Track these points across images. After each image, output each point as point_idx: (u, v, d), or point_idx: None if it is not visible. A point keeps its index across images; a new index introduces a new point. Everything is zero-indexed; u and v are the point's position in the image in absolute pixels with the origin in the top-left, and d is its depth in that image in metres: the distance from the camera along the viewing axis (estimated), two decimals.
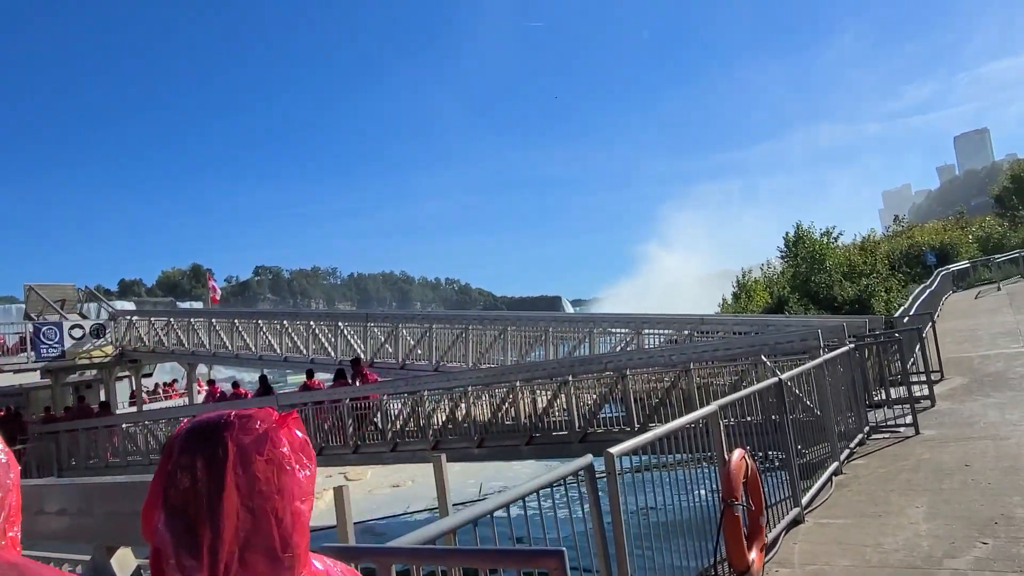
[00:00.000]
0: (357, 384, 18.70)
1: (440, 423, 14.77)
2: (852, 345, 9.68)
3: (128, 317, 25.68)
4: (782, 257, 62.40)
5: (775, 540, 5.90)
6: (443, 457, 5.63)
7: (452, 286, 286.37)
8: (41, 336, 23.43)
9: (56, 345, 23.69)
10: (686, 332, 14.83)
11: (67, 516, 4.31)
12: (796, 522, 6.47)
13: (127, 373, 28.24)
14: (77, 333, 24.29)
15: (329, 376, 18.58)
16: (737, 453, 5.19)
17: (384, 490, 21.16)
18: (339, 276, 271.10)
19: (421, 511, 17.36)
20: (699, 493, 5.13)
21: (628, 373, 12.21)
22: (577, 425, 12.83)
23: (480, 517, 2.90)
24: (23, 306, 28.51)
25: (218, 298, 34.37)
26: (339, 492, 5.94)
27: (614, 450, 4.05)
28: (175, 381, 35.02)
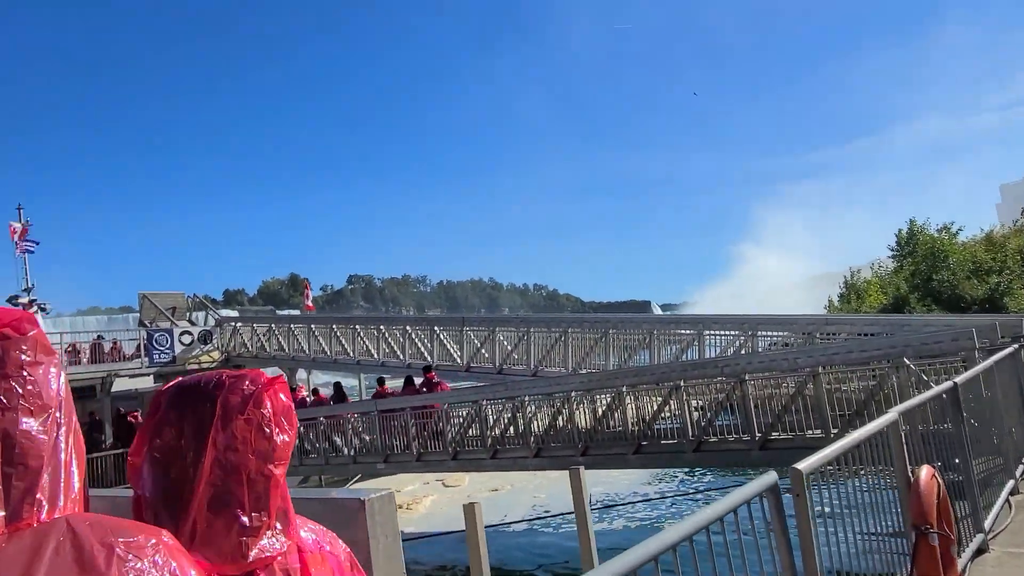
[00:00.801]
0: (425, 391, 18.36)
1: (540, 429, 14.21)
2: (1017, 346, 8.46)
3: (233, 324, 26.47)
4: (893, 256, 58.75)
5: (962, 573, 4.99)
6: (581, 469, 4.99)
7: (540, 292, 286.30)
8: (154, 342, 24.44)
9: (167, 351, 24.66)
10: (806, 334, 13.70)
11: None
12: (980, 551, 5.52)
13: None
14: (186, 339, 25.23)
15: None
16: (926, 471, 4.34)
17: (483, 495, 20.75)
18: (429, 284, 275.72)
19: (536, 519, 16.82)
20: (886, 518, 4.32)
21: (747, 378, 11.28)
22: (690, 433, 11.98)
23: (662, 552, 2.26)
24: (138, 314, 29.96)
25: (312, 306, 35.16)
26: (470, 510, 5.44)
27: (802, 465, 3.30)
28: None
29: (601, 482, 19.51)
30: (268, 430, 1.20)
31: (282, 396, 1.24)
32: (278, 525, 1.22)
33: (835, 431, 10.39)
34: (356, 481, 21.96)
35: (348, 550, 1.43)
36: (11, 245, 29.96)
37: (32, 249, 29.84)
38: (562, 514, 15.32)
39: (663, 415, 12.52)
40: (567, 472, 18.37)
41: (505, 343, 18.78)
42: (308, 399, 22.20)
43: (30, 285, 29.48)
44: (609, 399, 13.20)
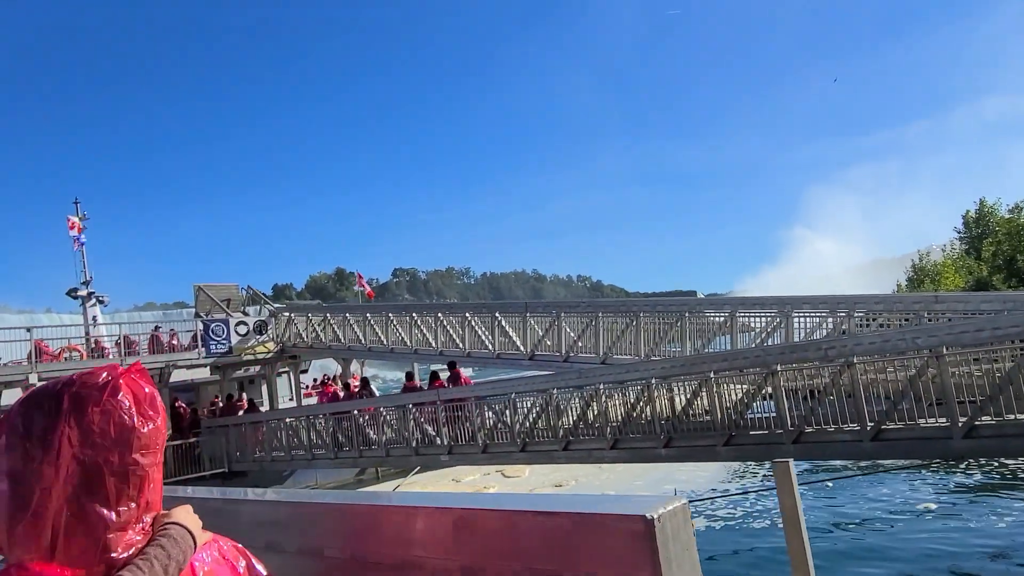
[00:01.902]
0: (449, 387, 17.96)
1: (618, 419, 13.29)
2: None
3: (287, 314, 26.12)
4: (961, 238, 56.15)
5: None
6: (790, 462, 4.04)
7: (584, 283, 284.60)
8: (211, 333, 24.20)
9: (224, 341, 24.41)
10: (910, 315, 12.50)
11: None
12: None
13: (286, 369, 28.92)
14: (242, 330, 24.94)
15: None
16: None
17: (546, 489, 19.96)
18: (472, 276, 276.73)
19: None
20: None
21: (856, 361, 10.19)
22: (789, 423, 10.94)
23: None
24: (191, 309, 29.91)
25: (372, 292, 34.86)
26: (783, 469, 4.54)
27: None
28: (334, 377, 35.76)
29: (675, 479, 18.52)
30: (129, 419, 1.17)
31: (143, 385, 1.21)
32: (146, 518, 1.20)
33: (963, 420, 9.28)
34: (416, 472, 21.42)
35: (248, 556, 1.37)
36: (69, 239, 30.43)
37: (84, 241, 30.18)
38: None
39: (754, 404, 11.50)
40: (636, 466, 17.59)
41: (569, 331, 17.83)
42: (340, 396, 21.83)
43: (88, 278, 29.76)
44: (694, 386, 12.21)
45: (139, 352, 24.47)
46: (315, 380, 34.45)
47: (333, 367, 43.00)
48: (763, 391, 11.26)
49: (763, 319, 14.95)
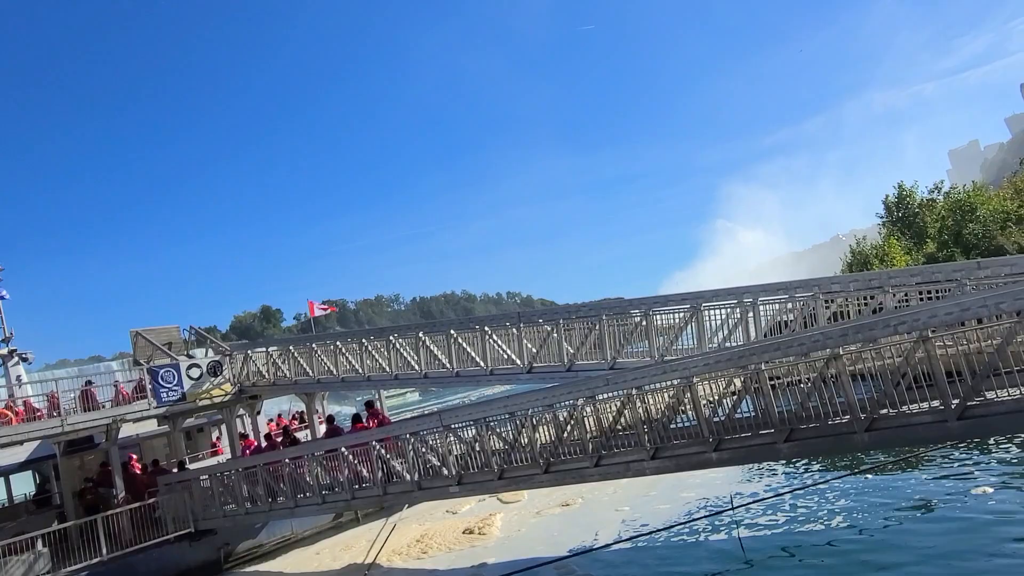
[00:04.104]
0: (372, 426, 17.65)
1: (659, 424, 12.20)
2: None
3: (245, 351, 23.98)
4: (883, 222, 58.28)
5: None
6: None
7: (514, 299, 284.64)
8: (160, 380, 21.88)
9: (176, 388, 22.14)
10: (952, 284, 11.98)
11: None
12: None
13: (242, 412, 26.64)
14: (195, 373, 22.71)
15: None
16: None
17: (553, 510, 18.66)
18: (402, 302, 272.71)
19: (642, 535, 14.71)
20: None
21: (931, 335, 9.45)
22: (859, 411, 10.10)
23: None
24: (109, 362, 27.03)
25: (327, 308, 32.90)
26: None
27: None
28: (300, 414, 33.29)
29: (688, 486, 17.53)
30: None
31: None
32: None
33: None
34: (408, 508, 19.74)
35: None
36: None
37: (4, 295, 27.21)
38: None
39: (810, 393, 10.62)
40: (641, 479, 16.46)
41: (567, 344, 16.72)
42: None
43: (9, 334, 26.70)
44: (741, 381, 11.27)
45: (68, 411, 21.83)
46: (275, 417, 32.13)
47: (285, 406, 40.52)
48: (825, 376, 10.38)
49: (724, 311, 14.66)
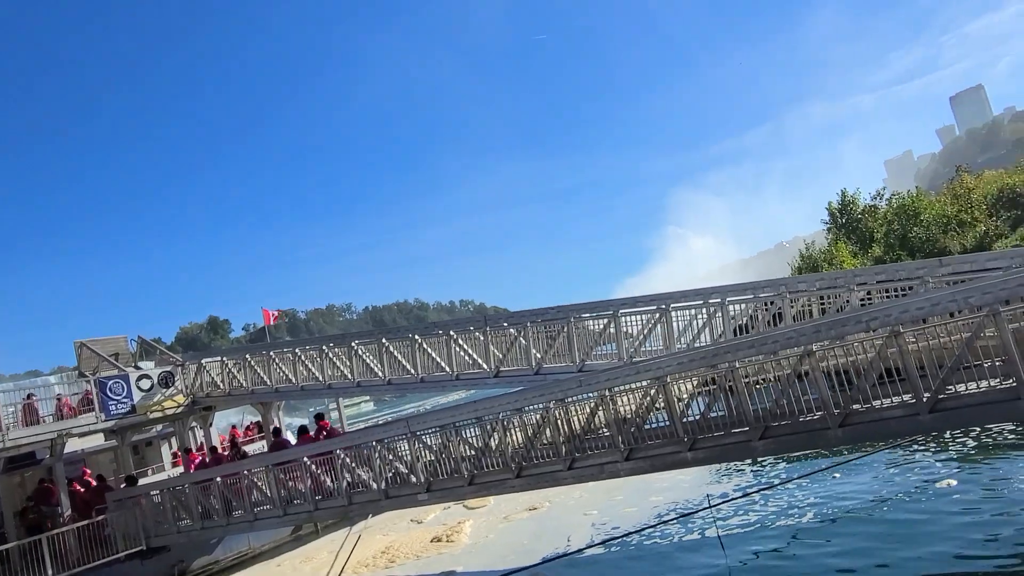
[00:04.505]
0: (322, 438, 17.45)
1: (634, 425, 12.14)
2: None
3: (199, 361, 23.16)
4: (828, 228, 60.21)
5: None
6: None
7: (467, 307, 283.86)
8: (108, 392, 20.94)
9: (125, 400, 21.22)
10: (915, 282, 12.26)
11: None
12: None
13: (194, 424, 25.72)
14: (145, 384, 21.82)
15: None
16: None
17: (520, 515, 18.46)
18: (354, 311, 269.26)
19: (616, 538, 14.56)
20: None
21: (901, 330, 9.63)
22: (833, 406, 10.21)
23: None
24: (47, 376, 25.73)
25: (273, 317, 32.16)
26: None
27: None
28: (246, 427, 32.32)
29: (655, 489, 17.50)
30: None
31: None
32: None
33: None
34: (370, 518, 19.24)
35: None
36: None
37: None
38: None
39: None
40: (607, 482, 16.36)
41: (534, 349, 16.60)
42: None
43: None
44: (714, 380, 11.30)
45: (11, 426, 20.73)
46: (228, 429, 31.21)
47: (236, 419, 39.35)
48: (800, 373, 10.47)
49: (691, 311, 15.00)
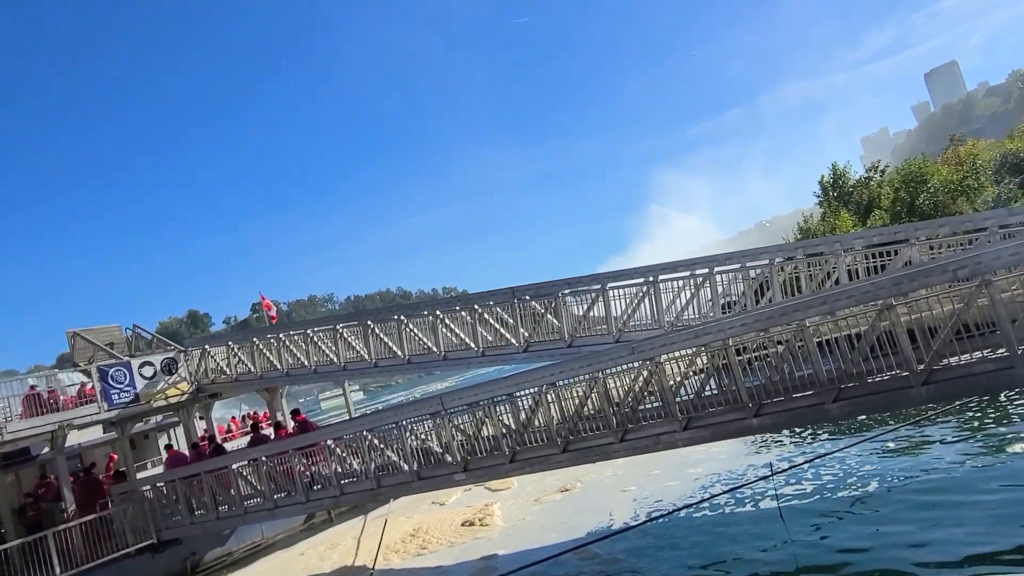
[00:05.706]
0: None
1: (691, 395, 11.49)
2: None
3: (202, 347, 22.17)
4: (820, 201, 60.17)
5: None
6: None
7: (451, 294, 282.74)
8: (110, 381, 19.92)
9: (128, 388, 20.22)
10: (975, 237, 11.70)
11: None
12: None
13: (199, 413, 24.75)
14: (148, 372, 20.84)
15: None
16: None
17: (552, 496, 17.78)
18: (336, 301, 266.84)
19: (679, 509, 13.83)
20: None
21: (994, 279, 9.02)
22: (916, 363, 9.59)
23: None
24: (24, 379, 24.49)
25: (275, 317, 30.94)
26: None
27: None
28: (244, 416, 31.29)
29: (691, 462, 16.88)
30: None
31: None
32: None
33: None
34: (388, 503, 18.51)
35: None
36: None
37: None
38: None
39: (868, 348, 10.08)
40: (640, 458, 15.72)
41: (556, 319, 15.88)
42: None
43: None
44: (788, 338, 10.67)
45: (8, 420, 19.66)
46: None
47: (235, 411, 38.28)
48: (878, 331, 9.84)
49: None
